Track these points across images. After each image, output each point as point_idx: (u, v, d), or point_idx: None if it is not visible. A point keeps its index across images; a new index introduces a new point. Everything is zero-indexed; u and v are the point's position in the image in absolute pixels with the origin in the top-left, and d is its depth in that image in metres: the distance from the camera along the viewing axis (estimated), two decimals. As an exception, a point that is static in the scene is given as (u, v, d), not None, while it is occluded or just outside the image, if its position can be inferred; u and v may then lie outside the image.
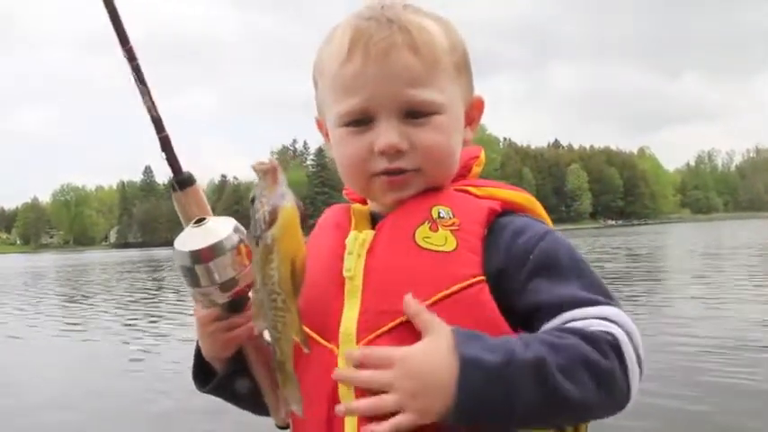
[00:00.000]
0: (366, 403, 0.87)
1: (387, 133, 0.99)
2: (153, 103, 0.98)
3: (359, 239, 1.01)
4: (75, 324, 11.17)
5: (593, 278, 0.96)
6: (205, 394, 1.12)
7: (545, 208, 1.08)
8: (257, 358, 1.07)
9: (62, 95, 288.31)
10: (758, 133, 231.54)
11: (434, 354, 0.84)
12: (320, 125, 1.15)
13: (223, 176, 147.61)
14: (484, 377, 0.82)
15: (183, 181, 1.03)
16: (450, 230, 0.97)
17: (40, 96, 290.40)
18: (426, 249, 0.96)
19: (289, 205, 0.80)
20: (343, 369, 0.90)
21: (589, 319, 0.89)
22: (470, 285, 0.92)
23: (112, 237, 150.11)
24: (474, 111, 1.12)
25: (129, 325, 10.68)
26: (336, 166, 1.09)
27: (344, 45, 1.01)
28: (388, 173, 1.01)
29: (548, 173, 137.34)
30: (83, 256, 71.94)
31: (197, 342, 1.10)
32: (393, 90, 0.99)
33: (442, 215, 0.99)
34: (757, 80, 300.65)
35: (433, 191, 1.04)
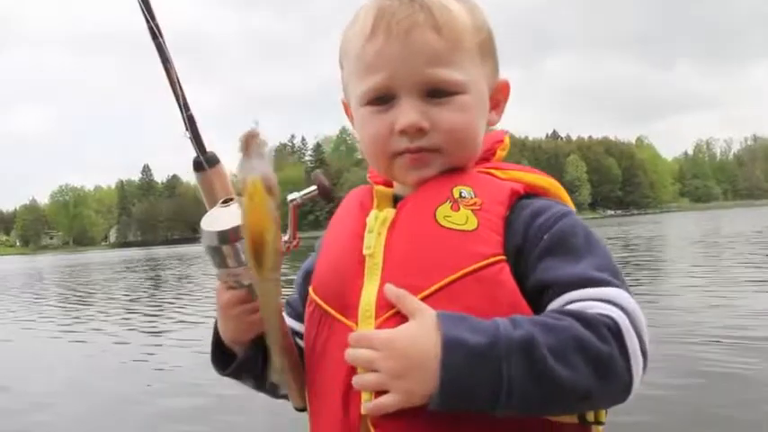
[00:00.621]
0: (354, 380, 0.89)
1: (407, 112, 0.99)
2: (178, 81, 0.96)
3: (379, 218, 1.01)
4: (73, 324, 11.15)
5: (605, 258, 0.93)
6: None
7: None
8: (280, 342, 1.05)
9: (59, 96, 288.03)
10: (756, 121, 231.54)
11: (418, 335, 0.84)
12: (346, 107, 1.15)
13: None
14: (467, 357, 0.81)
15: (207, 160, 1.02)
16: (472, 210, 0.97)
17: (37, 97, 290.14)
18: (447, 228, 0.96)
19: (252, 177, 0.78)
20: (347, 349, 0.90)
21: (590, 300, 0.87)
22: (491, 264, 0.92)
23: (112, 236, 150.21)
24: (499, 94, 1.11)
25: (129, 324, 10.66)
26: (360, 146, 1.09)
27: (368, 24, 1.01)
28: (409, 152, 1.01)
29: (546, 164, 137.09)
30: (83, 256, 71.81)
31: (215, 325, 1.09)
32: (414, 68, 0.99)
33: (463, 195, 0.99)
34: (754, 68, 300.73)
35: (455, 171, 1.03)
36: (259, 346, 1.05)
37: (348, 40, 1.07)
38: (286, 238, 1.07)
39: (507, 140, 1.14)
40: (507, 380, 0.80)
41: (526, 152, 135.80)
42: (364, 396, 0.92)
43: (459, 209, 0.97)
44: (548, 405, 0.85)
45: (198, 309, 11.67)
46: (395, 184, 1.10)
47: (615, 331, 0.83)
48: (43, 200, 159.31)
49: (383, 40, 0.99)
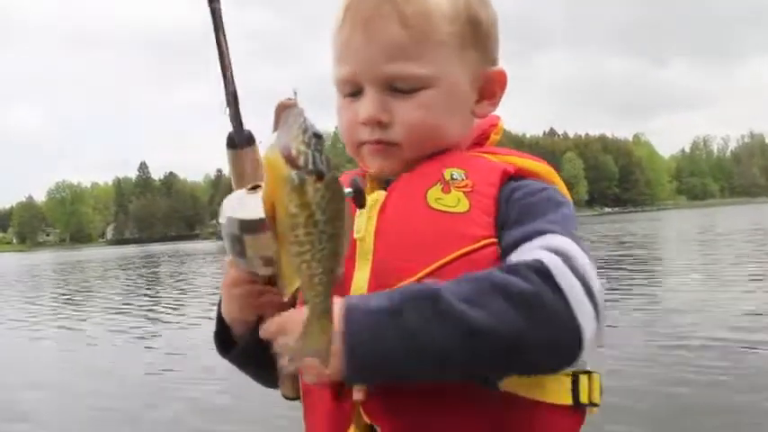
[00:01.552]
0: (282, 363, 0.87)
1: (367, 105, 1.00)
2: (228, 52, 0.96)
3: (369, 201, 0.99)
4: (69, 321, 11.15)
5: (560, 216, 0.92)
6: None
7: None
8: None
9: (55, 93, 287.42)
10: (753, 118, 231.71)
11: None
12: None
13: (218, 171, 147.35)
14: (366, 317, 0.79)
15: (242, 140, 1.01)
16: (464, 192, 0.96)
17: (34, 94, 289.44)
18: (438, 211, 0.94)
19: (270, 149, 0.77)
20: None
21: (530, 250, 0.86)
22: (484, 247, 0.90)
23: (109, 233, 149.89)
24: (493, 84, 1.08)
25: (125, 321, 10.66)
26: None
27: (339, 13, 1.02)
28: (369, 143, 1.02)
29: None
30: (79, 253, 71.73)
31: (218, 307, 1.08)
32: (374, 62, 0.98)
33: (455, 177, 0.97)
34: (751, 65, 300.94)
35: (447, 153, 1.02)
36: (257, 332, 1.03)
37: (332, 28, 1.07)
38: None
39: (501, 124, 1.12)
40: (419, 337, 0.77)
41: (523, 149, 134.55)
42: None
43: (450, 191, 0.96)
44: (480, 358, 0.79)
45: (191, 308, 11.67)
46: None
47: (542, 271, 0.81)
48: (40, 197, 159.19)
49: (349, 30, 1.00)
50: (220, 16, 0.97)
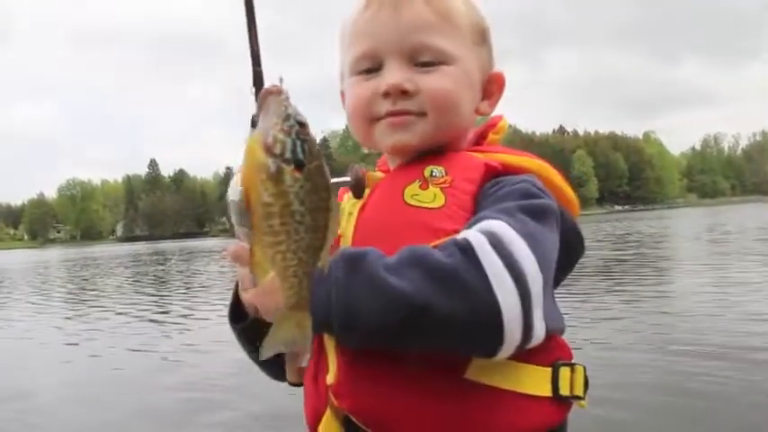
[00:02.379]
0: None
1: (392, 74, 1.00)
2: (256, 35, 0.98)
3: (352, 199, 1.03)
4: (80, 317, 11.22)
5: (516, 206, 0.91)
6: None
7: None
8: None
9: (66, 91, 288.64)
10: (765, 116, 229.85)
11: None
12: (342, 97, 1.13)
13: (228, 168, 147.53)
14: (319, 278, 0.80)
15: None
16: (441, 188, 0.96)
17: (44, 91, 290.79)
18: (413, 206, 0.95)
19: (249, 136, 0.76)
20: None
21: (464, 232, 0.87)
22: None
23: (119, 230, 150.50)
24: (493, 85, 1.10)
25: (136, 317, 10.71)
26: (346, 119, 1.09)
27: (362, 1, 1.05)
28: (391, 114, 1.01)
29: (553, 159, 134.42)
30: (89, 250, 72.02)
31: (236, 282, 1.08)
32: (401, 34, 1.00)
33: (434, 174, 0.98)
34: (763, 63, 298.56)
35: (432, 154, 1.03)
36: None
37: (345, 23, 1.09)
38: None
39: (503, 124, 1.13)
40: (334, 283, 0.82)
41: (533, 147, 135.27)
42: (331, 369, 0.94)
43: (428, 187, 0.97)
44: (386, 314, 0.82)
45: (200, 305, 11.71)
46: (387, 160, 1.11)
47: (465, 248, 0.83)
48: (51, 194, 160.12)
49: (375, 10, 1.02)
50: (252, 2, 0.98)
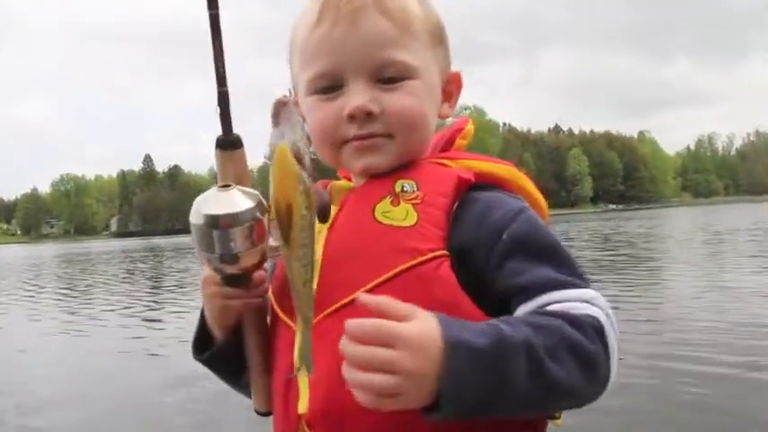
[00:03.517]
0: (358, 379, 0.73)
1: (355, 96, 0.96)
2: (222, 56, 0.96)
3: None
4: (73, 314, 11.18)
5: (570, 260, 0.91)
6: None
7: (545, 193, 1.04)
8: (254, 335, 1.03)
9: (60, 86, 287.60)
10: (759, 116, 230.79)
11: (426, 337, 0.74)
12: (296, 105, 1.07)
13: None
14: (473, 360, 0.74)
15: (229, 142, 1.00)
16: (412, 204, 0.94)
17: (38, 87, 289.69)
18: (384, 225, 0.93)
19: (280, 145, 0.74)
20: (345, 342, 0.74)
21: (571, 302, 0.84)
22: (428, 261, 0.89)
23: (113, 226, 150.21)
24: (451, 86, 1.09)
25: (130, 315, 10.69)
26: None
27: (314, 12, 0.99)
28: (357, 138, 0.98)
29: (548, 158, 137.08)
30: (83, 245, 71.88)
31: (201, 311, 1.07)
32: (361, 51, 0.97)
33: (405, 189, 0.96)
34: (757, 62, 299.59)
35: (402, 166, 1.00)
36: (239, 338, 1.03)
37: (295, 34, 1.04)
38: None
39: (470, 129, 1.11)
40: (511, 384, 0.75)
41: (528, 145, 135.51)
42: (302, 396, 0.92)
43: (399, 203, 0.95)
44: (542, 406, 0.83)
45: (192, 301, 11.69)
46: (353, 177, 1.07)
47: (600, 331, 0.82)
48: (45, 189, 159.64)
49: (329, 25, 0.97)
50: (218, 21, 0.96)
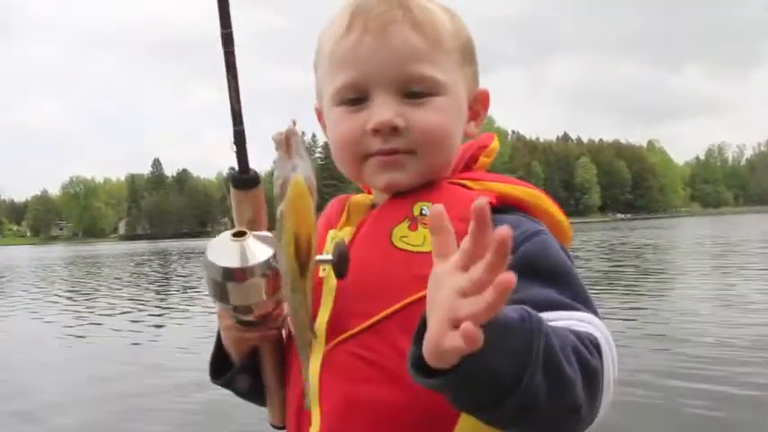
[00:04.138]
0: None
1: (381, 110, 0.95)
2: (238, 93, 0.95)
3: (337, 237, 0.98)
4: (79, 317, 11.21)
5: (578, 286, 0.87)
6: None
7: (553, 202, 1.01)
8: (270, 357, 1.04)
9: (70, 88, 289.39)
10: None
11: None
12: (319, 114, 1.09)
13: (231, 169, 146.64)
14: (499, 327, 0.65)
15: (244, 180, 0.99)
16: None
17: (49, 89, 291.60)
18: (402, 250, 0.91)
19: (296, 177, 0.74)
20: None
21: (569, 320, 0.80)
22: None
23: (121, 229, 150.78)
24: (478, 104, 1.07)
25: (137, 319, 10.71)
26: (331, 150, 1.04)
27: (343, 22, 0.98)
28: (381, 154, 0.96)
29: (556, 166, 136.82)
30: (91, 248, 72.15)
31: (218, 330, 1.06)
32: (390, 64, 0.95)
33: (424, 212, 0.94)
34: (766, 72, 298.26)
35: (423, 186, 0.98)
36: (255, 359, 1.04)
37: (323, 41, 1.03)
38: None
39: (495, 146, 1.09)
40: (534, 359, 0.67)
41: (537, 154, 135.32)
42: (314, 418, 0.91)
43: (417, 228, 0.93)
44: (550, 405, 0.70)
45: (198, 306, 11.70)
46: (374, 192, 1.06)
47: (597, 348, 0.77)
48: (54, 191, 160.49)
49: (358, 36, 0.96)
50: (233, 58, 0.94)
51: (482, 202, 0.60)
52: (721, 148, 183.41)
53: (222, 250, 0.93)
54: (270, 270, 0.90)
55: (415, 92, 0.96)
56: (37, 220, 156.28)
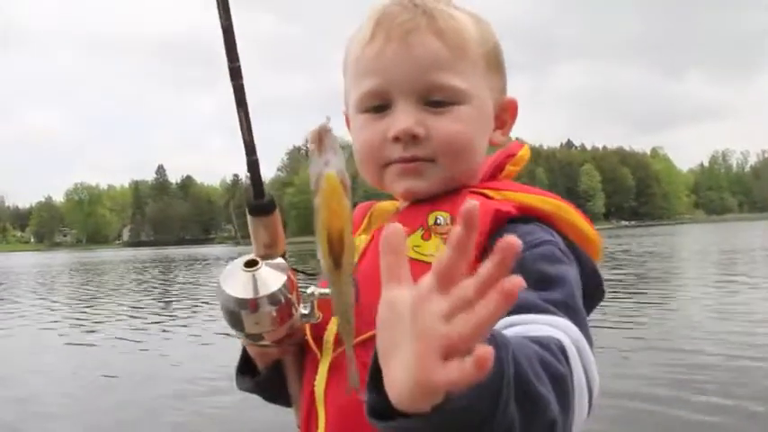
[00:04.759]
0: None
1: (402, 118, 0.95)
2: (249, 125, 0.96)
3: (357, 240, 0.96)
4: (84, 323, 11.21)
5: (567, 295, 0.84)
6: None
7: None
8: (293, 367, 1.04)
9: (74, 95, 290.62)
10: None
11: None
12: (347, 119, 1.09)
13: (235, 176, 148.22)
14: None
15: (260, 207, 1.00)
16: (443, 238, 0.92)
17: (53, 96, 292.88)
18: (414, 260, 0.88)
19: (329, 173, 0.74)
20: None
21: (534, 324, 0.76)
22: None
23: (125, 235, 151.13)
24: (506, 113, 1.06)
25: (140, 326, 10.69)
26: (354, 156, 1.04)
27: (368, 29, 0.98)
28: (401, 161, 0.97)
29: (560, 173, 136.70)
30: (95, 254, 72.31)
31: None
32: (412, 72, 0.95)
33: (438, 221, 0.94)
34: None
35: (442, 195, 0.98)
36: (280, 368, 1.05)
37: (350, 48, 1.04)
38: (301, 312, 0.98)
39: (524, 153, 1.07)
40: (506, 389, 0.61)
41: (540, 161, 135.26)
42: (320, 422, 0.93)
43: (430, 237, 0.93)
44: (526, 429, 0.65)
45: (200, 313, 11.68)
46: (399, 199, 1.06)
47: (565, 354, 0.73)
48: (58, 197, 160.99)
49: (382, 43, 0.96)
50: (243, 91, 0.94)
51: (473, 204, 0.53)
52: (725, 155, 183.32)
53: (235, 280, 0.95)
54: (283, 298, 0.92)
55: (436, 100, 0.96)
56: (41, 226, 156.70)
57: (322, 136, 0.76)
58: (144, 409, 5.57)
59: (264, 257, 0.97)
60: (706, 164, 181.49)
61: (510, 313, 0.66)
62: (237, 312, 0.93)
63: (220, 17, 0.86)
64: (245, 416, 4.87)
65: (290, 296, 0.93)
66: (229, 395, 5.34)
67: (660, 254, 24.66)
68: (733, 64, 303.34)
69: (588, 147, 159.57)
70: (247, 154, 0.97)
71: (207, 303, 13.05)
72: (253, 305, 0.92)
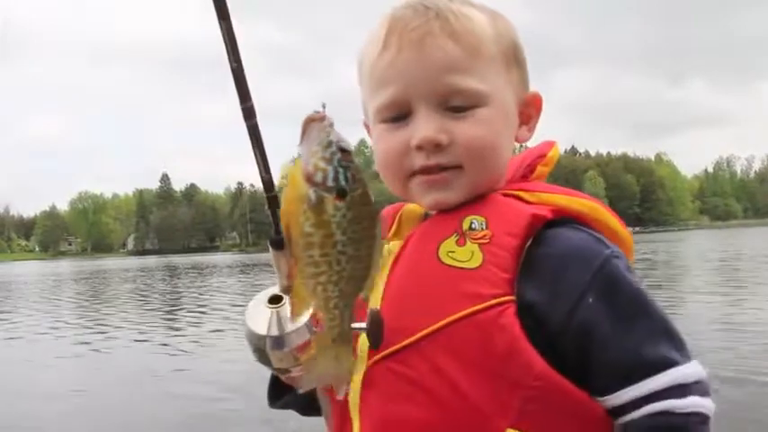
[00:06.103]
0: None
1: (424, 126, 0.92)
2: (266, 164, 0.95)
3: (385, 251, 0.94)
4: (90, 332, 11.23)
5: (659, 318, 0.85)
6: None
7: None
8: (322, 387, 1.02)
9: (78, 104, 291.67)
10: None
11: None
12: (368, 129, 1.07)
13: (239, 183, 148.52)
14: None
15: (280, 241, 0.98)
16: (479, 244, 0.89)
17: (57, 104, 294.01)
18: (448, 266, 0.88)
19: (290, 167, 0.74)
20: None
21: (670, 399, 0.80)
22: (491, 307, 0.84)
23: (130, 244, 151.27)
24: (530, 108, 1.04)
25: (147, 333, 10.71)
26: (376, 166, 1.02)
27: (380, 37, 0.96)
28: (425, 170, 0.94)
29: (564, 180, 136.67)
30: (100, 263, 72.42)
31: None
32: (429, 77, 0.92)
33: (473, 226, 0.91)
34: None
35: (473, 199, 0.95)
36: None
37: (363, 58, 1.02)
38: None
39: (554, 154, 1.05)
40: None
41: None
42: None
43: (465, 243, 0.90)
44: None
45: (209, 321, 11.69)
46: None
47: (706, 424, 0.81)
48: (63, 206, 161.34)
49: (395, 51, 0.94)
50: (258, 130, 0.89)
51: None
52: (730, 161, 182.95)
53: (260, 317, 0.95)
54: (308, 333, 0.92)
55: (456, 105, 0.93)
56: (45, 235, 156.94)
57: (304, 128, 0.74)
58: (151, 415, 5.58)
59: (287, 289, 0.95)
60: (710, 170, 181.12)
61: (637, 379, 0.80)
62: (263, 349, 0.93)
63: (230, 60, 0.85)
64: (254, 416, 4.89)
65: (315, 330, 0.92)
66: (237, 400, 5.36)
67: (665, 261, 24.58)
68: (737, 70, 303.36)
69: (592, 153, 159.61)
70: (266, 191, 0.97)
71: (216, 311, 13.07)
72: (278, 342, 0.91)
